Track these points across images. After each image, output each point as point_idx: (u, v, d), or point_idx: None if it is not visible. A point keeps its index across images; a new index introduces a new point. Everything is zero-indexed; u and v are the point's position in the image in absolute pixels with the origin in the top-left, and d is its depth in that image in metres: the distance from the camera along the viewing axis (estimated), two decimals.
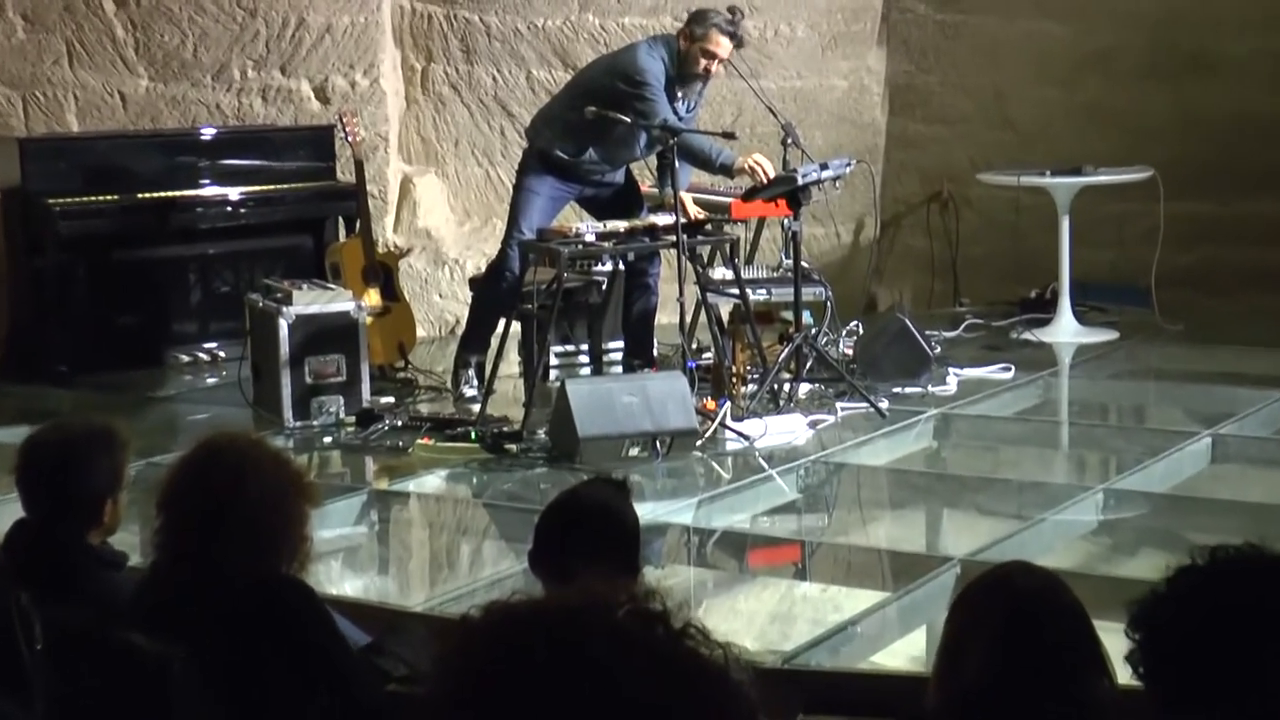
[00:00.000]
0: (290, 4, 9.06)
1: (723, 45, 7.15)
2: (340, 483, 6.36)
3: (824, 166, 7.17)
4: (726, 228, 7.59)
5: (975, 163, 9.83)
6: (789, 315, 7.39)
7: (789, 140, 7.56)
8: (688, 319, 7.07)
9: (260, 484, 3.26)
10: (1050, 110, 9.85)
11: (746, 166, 7.08)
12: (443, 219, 9.60)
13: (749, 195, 7.28)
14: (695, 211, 7.36)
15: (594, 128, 7.09)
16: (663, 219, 7.07)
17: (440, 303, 9.36)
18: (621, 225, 7.04)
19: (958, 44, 10.16)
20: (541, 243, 7.00)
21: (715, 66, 7.20)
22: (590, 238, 6.88)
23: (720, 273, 7.52)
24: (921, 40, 10.24)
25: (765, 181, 7.08)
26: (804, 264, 7.45)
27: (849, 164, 7.37)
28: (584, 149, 7.26)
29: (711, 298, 7.26)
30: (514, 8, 9.44)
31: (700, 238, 7.23)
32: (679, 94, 7.21)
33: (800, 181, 7.06)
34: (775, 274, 7.68)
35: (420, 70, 9.55)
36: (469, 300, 7.99)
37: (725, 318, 7.51)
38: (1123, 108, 9.64)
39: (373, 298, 7.81)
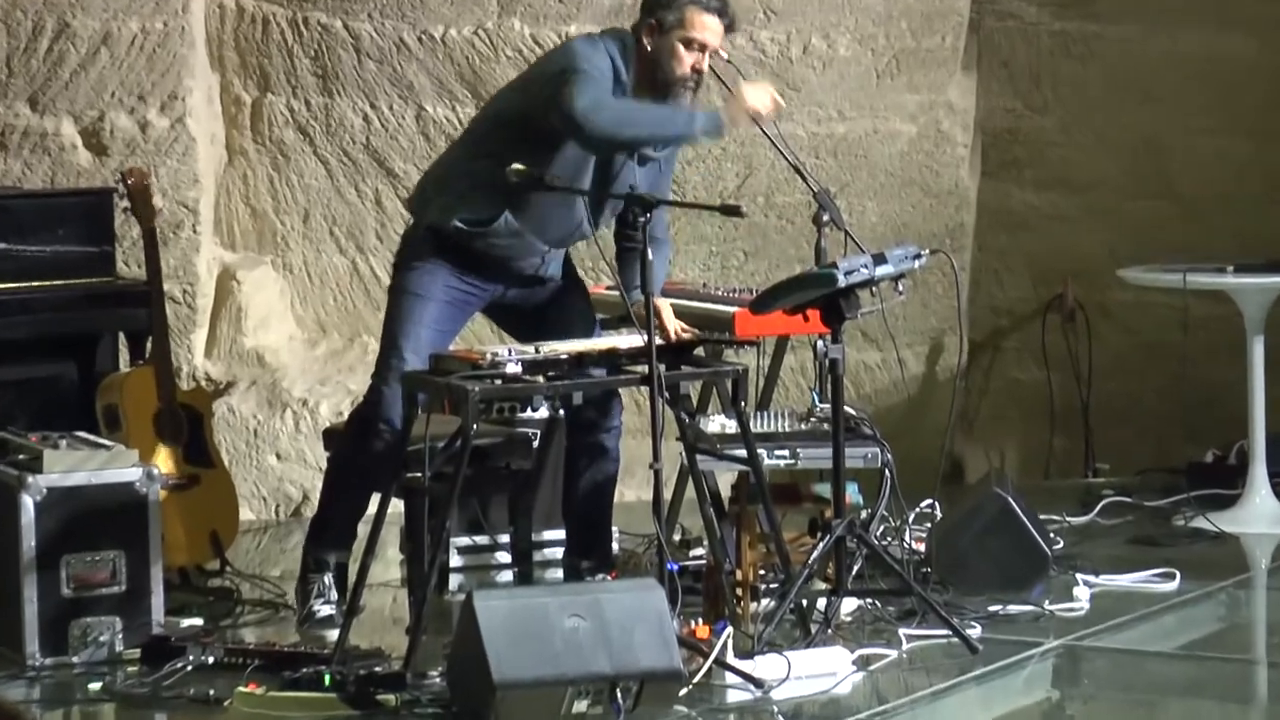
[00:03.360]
0: (47, 1, 9.10)
1: (709, 27, 7.20)
2: None
3: (880, 259, 7.16)
4: (727, 352, 7.57)
5: (1116, 252, 9.87)
6: (824, 490, 7.37)
7: (825, 217, 7.57)
8: (666, 496, 7.02)
9: None
10: (1234, 171, 9.91)
11: (748, 110, 7.09)
12: (284, 337, 9.59)
13: (760, 304, 7.26)
14: (677, 326, 7.33)
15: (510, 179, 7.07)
16: (627, 339, 7.06)
17: (279, 468, 9.33)
18: (563, 349, 7.02)
19: (1088, 68, 10.25)
20: (437, 376, 6.98)
21: (704, 60, 7.22)
22: (514, 368, 6.85)
23: (718, 424, 7.51)
24: (1032, 62, 10.32)
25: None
26: (849, 410, 7.44)
27: (919, 254, 7.37)
28: (495, 211, 7.21)
29: (704, 463, 7.24)
30: (397, 9, 9.49)
31: (686, 369, 7.22)
32: None
33: (842, 281, 7.05)
34: (804, 425, 7.67)
35: (250, 104, 9.58)
36: (323, 465, 7.96)
37: (726, 495, 7.49)
38: None
39: (172, 460, 7.78)
